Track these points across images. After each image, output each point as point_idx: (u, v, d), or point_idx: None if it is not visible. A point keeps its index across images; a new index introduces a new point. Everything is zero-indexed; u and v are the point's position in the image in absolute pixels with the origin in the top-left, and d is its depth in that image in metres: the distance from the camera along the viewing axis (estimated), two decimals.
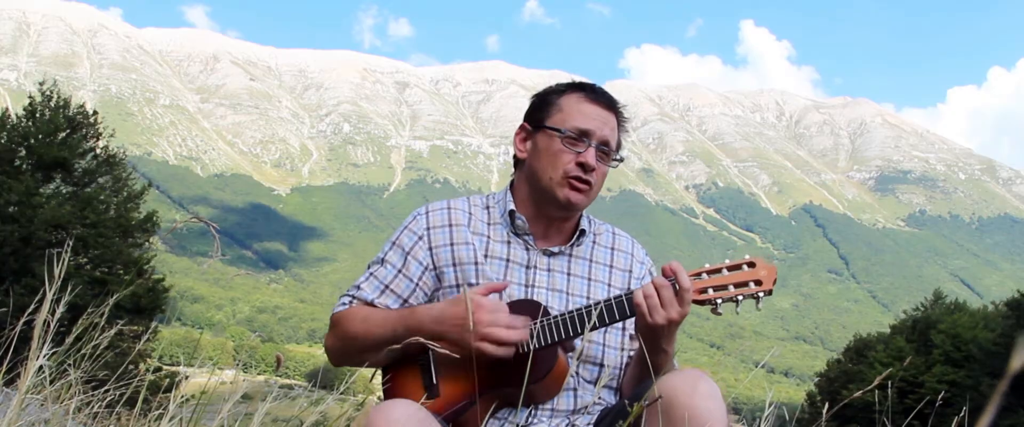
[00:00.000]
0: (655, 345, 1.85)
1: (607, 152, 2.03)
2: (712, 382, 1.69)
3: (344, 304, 2.05)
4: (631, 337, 2.05)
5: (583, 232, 2.10)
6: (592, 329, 1.83)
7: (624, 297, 1.86)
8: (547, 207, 2.04)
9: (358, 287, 2.05)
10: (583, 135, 2.00)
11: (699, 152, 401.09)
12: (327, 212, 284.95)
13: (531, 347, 1.87)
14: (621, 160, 2.09)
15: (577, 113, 2.02)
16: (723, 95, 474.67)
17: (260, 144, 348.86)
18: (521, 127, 2.12)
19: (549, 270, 2.05)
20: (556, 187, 2.00)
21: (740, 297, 1.84)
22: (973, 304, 42.32)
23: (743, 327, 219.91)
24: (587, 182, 2.00)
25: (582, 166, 1.99)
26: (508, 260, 2.04)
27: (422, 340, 1.82)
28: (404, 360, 1.96)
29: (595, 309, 1.84)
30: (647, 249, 2.24)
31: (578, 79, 2.12)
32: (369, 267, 2.08)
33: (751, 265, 1.86)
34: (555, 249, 2.06)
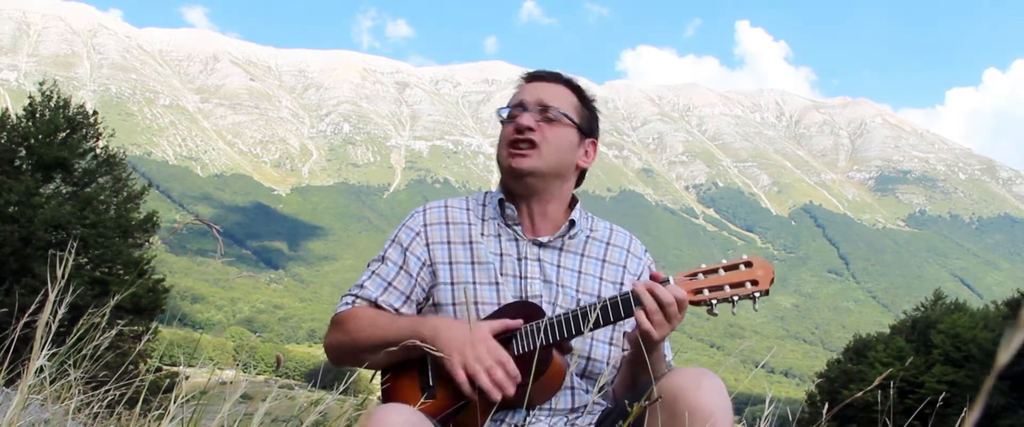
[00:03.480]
0: (649, 348, 1.85)
1: (550, 114, 2.05)
2: (717, 379, 1.70)
3: (347, 304, 2.06)
4: (624, 335, 2.03)
5: (573, 223, 2.10)
6: (588, 330, 1.85)
7: (619, 299, 1.86)
8: (509, 183, 2.09)
9: (361, 286, 2.07)
10: (516, 106, 2.07)
11: (699, 152, 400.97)
12: (327, 212, 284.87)
13: (528, 348, 1.88)
14: (583, 119, 2.11)
15: (515, 93, 2.14)
16: (723, 95, 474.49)
17: (260, 144, 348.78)
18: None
19: (540, 261, 2.06)
20: (504, 160, 2.05)
21: (736, 298, 1.82)
22: (973, 304, 42.32)
23: (743, 327, 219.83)
24: (527, 141, 2.03)
25: (517, 128, 2.04)
26: (501, 254, 2.06)
27: (420, 344, 1.86)
28: (402, 362, 1.97)
29: (591, 312, 1.84)
30: (647, 250, 2.23)
31: (583, 82, 2.18)
32: (370, 265, 2.10)
33: (748, 265, 1.84)
34: (544, 239, 2.08)
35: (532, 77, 2.15)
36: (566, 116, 2.06)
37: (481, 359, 1.84)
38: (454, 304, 2.01)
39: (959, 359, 32.53)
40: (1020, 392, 29.47)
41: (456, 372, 1.83)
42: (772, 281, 1.82)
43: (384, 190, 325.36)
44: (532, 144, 2.02)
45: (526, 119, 2.03)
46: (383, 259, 2.08)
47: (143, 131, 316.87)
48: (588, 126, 2.11)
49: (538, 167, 2.03)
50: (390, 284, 2.05)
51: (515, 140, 2.03)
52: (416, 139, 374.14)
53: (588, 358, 2.02)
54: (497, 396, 1.83)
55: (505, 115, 2.09)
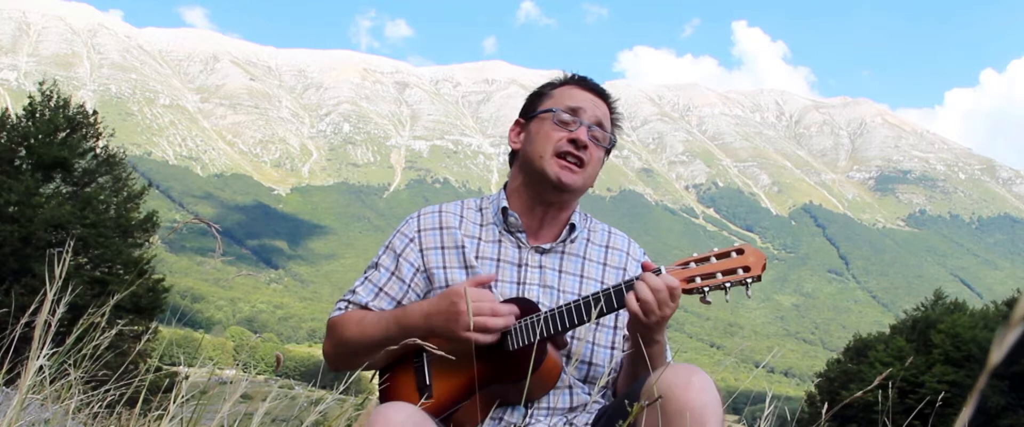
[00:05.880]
0: (648, 338, 1.87)
1: (600, 137, 2.06)
2: (706, 376, 1.71)
3: (340, 309, 2.08)
4: (624, 338, 2.04)
5: (573, 227, 2.10)
6: (582, 324, 1.87)
7: (612, 291, 1.86)
8: (540, 190, 2.05)
9: (353, 291, 2.09)
10: (573, 112, 2.04)
11: (699, 152, 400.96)
12: (327, 212, 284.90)
13: (523, 342, 1.89)
14: (613, 143, 2.12)
15: (568, 97, 2.07)
16: (723, 95, 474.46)
17: (260, 144, 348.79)
18: (516, 122, 2.16)
19: (540, 267, 2.05)
20: (547, 165, 2.00)
21: (728, 284, 1.84)
22: (973, 304, 42.25)
23: (743, 326, 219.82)
24: (579, 160, 2.01)
25: (574, 142, 2.00)
26: (499, 260, 2.05)
27: (418, 341, 1.86)
28: (399, 362, 1.99)
29: (583, 304, 1.87)
30: (647, 249, 2.22)
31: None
32: (365, 271, 2.12)
33: (739, 252, 1.86)
34: (546, 246, 2.07)
35: (586, 86, 2.12)
36: (609, 140, 2.10)
37: (480, 311, 1.85)
38: None
39: (959, 359, 32.50)
40: (1020, 392, 29.48)
41: (468, 337, 1.84)
42: (764, 267, 1.84)
43: (384, 190, 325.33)
44: (581, 162, 2.02)
45: (584, 135, 2.02)
46: (377, 265, 2.10)
47: (143, 131, 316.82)
48: (611, 147, 2.14)
49: (580, 186, 2.04)
50: (381, 290, 2.06)
51: (569, 153, 2.01)
52: (416, 139, 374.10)
53: (590, 363, 2.03)
54: (510, 322, 1.87)
55: (559, 119, 2.04)
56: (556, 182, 2.00)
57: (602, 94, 2.12)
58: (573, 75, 2.15)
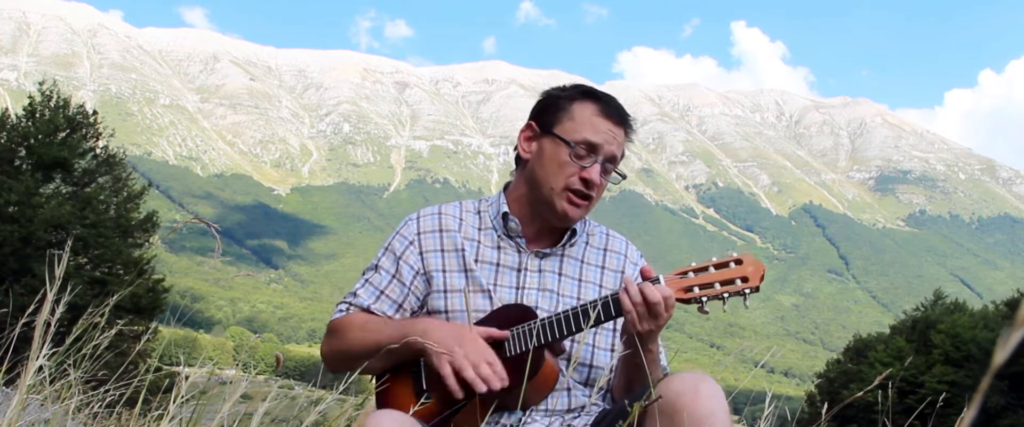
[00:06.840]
0: (642, 345, 1.88)
1: (609, 169, 2.05)
2: (714, 383, 1.71)
3: (342, 311, 2.08)
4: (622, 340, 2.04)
5: (574, 232, 2.10)
6: (579, 331, 1.87)
7: (610, 299, 1.87)
8: (543, 213, 2.05)
9: (354, 294, 2.08)
10: (591, 149, 2.00)
11: (699, 152, 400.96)
12: (327, 212, 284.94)
13: (520, 349, 1.89)
14: (623, 177, 2.10)
15: (588, 125, 2.01)
16: (723, 95, 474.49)
17: (260, 144, 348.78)
18: (528, 125, 2.11)
19: (540, 271, 2.06)
20: (556, 198, 2.00)
21: (726, 295, 1.83)
22: (973, 304, 42.26)
23: (743, 326, 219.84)
24: (588, 197, 2.02)
25: (585, 182, 2.00)
26: (498, 264, 2.05)
27: (419, 340, 1.88)
28: (397, 367, 1.99)
29: (581, 311, 1.87)
30: (647, 249, 2.23)
31: (584, 81, 2.12)
32: (364, 273, 2.11)
33: (738, 262, 1.85)
34: (546, 250, 2.07)
35: (609, 112, 2.05)
36: (616, 167, 2.08)
37: (469, 355, 1.86)
38: (447, 312, 2.02)
39: (959, 359, 32.49)
40: (1020, 392, 29.46)
41: (442, 367, 1.86)
42: (762, 278, 1.83)
43: (384, 190, 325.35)
44: (590, 199, 2.03)
45: (595, 175, 2.00)
46: (376, 267, 2.09)
47: (143, 131, 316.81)
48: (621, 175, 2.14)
49: (582, 217, 2.07)
50: (382, 293, 2.06)
51: (580, 191, 2.01)
52: (416, 139, 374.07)
53: (590, 366, 2.04)
54: (482, 387, 1.85)
55: (576, 155, 2.00)
56: (561, 216, 2.02)
57: (623, 120, 2.06)
58: (597, 92, 2.09)
